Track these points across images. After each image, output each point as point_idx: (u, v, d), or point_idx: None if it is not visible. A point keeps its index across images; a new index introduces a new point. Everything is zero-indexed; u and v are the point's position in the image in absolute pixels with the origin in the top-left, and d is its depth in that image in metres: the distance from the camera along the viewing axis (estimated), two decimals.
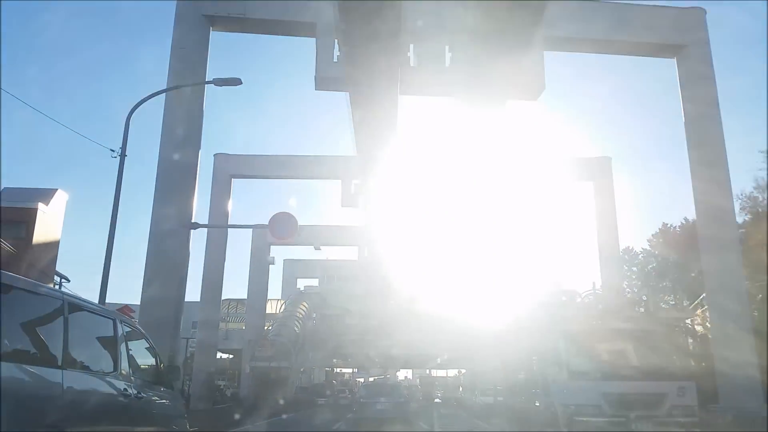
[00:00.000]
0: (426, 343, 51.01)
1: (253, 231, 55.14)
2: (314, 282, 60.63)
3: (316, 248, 55.18)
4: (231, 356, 61.04)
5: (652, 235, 53.35)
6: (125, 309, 53.95)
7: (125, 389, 5.94)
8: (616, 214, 38.27)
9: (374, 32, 15.05)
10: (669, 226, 51.95)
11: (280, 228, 15.04)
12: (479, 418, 25.32)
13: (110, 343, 6.07)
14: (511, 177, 31.11)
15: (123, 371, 6.14)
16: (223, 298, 57.57)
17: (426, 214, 39.69)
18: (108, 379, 5.80)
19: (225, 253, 37.79)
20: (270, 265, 54.62)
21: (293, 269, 70.63)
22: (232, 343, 53.34)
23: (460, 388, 43.56)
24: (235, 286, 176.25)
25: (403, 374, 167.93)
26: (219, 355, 62.03)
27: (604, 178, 38.72)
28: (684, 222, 50.78)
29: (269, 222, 14.80)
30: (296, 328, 42.34)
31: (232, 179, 38.68)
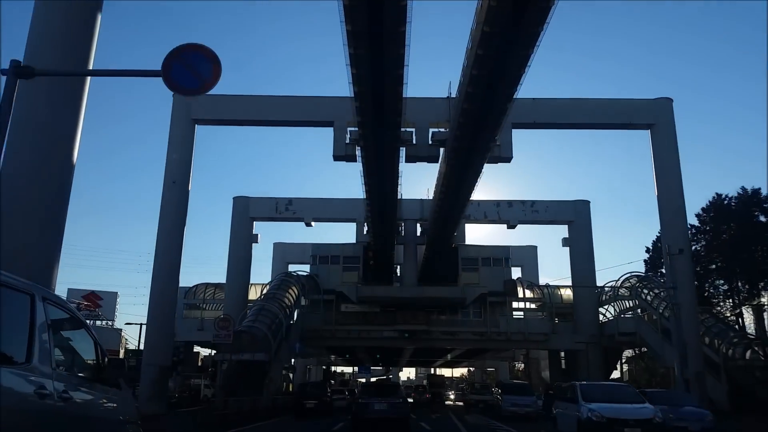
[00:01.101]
0: (438, 335, 43.13)
1: (233, 201, 47.56)
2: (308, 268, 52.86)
3: (306, 224, 47.36)
4: (214, 351, 53.15)
5: (702, 209, 45.27)
6: (92, 296, 45.55)
7: (41, 387, 4.14)
8: (680, 165, 30.35)
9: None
10: (723, 197, 43.95)
11: (185, 76, 6.82)
12: None
13: (20, 326, 4.23)
14: None
15: (40, 364, 4.26)
16: (199, 282, 49.96)
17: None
18: (13, 372, 3.94)
19: (185, 216, 29.95)
20: (254, 244, 46.78)
21: (284, 254, 62.81)
22: (208, 334, 45.29)
23: (495, 389, 35.60)
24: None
25: (405, 375, 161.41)
26: (198, 349, 54.44)
27: (665, 123, 30.84)
28: (741, 192, 42.85)
29: (162, 67, 6.51)
30: (279, 315, 34.51)
31: (196, 125, 30.84)
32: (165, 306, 28.34)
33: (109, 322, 57.06)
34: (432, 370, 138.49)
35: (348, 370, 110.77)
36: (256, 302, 37.86)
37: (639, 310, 42.62)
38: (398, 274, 51.81)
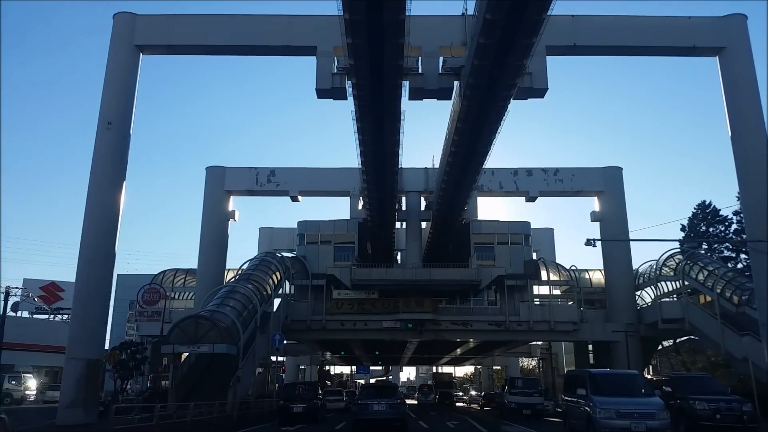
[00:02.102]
0: (448, 326, 36.53)
1: (206, 172, 40.81)
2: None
3: (292, 198, 40.67)
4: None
5: None
6: (51, 287, 38.52)
7: None
8: (761, 100, 23.68)
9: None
10: None
11: None
12: None
13: None
14: None
15: None
16: (168, 267, 43.20)
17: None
18: None
19: (124, 170, 23.19)
20: (231, 222, 40.13)
21: (271, 240, 56.20)
22: None
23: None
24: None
25: (405, 375, 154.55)
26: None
27: (738, 46, 24.21)
28: None
29: None
30: (254, 300, 27.81)
31: (141, 54, 24.04)
32: (95, 283, 21.58)
33: None
34: (434, 368, 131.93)
35: (346, 370, 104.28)
36: (227, 284, 31.15)
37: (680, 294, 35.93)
38: (399, 261, 45.14)
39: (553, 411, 31.72)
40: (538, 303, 37.50)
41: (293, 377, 63.62)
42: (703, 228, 49.16)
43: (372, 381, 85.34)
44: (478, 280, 35.56)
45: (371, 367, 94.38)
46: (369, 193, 35.05)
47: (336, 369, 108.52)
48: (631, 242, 39.46)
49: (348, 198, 40.50)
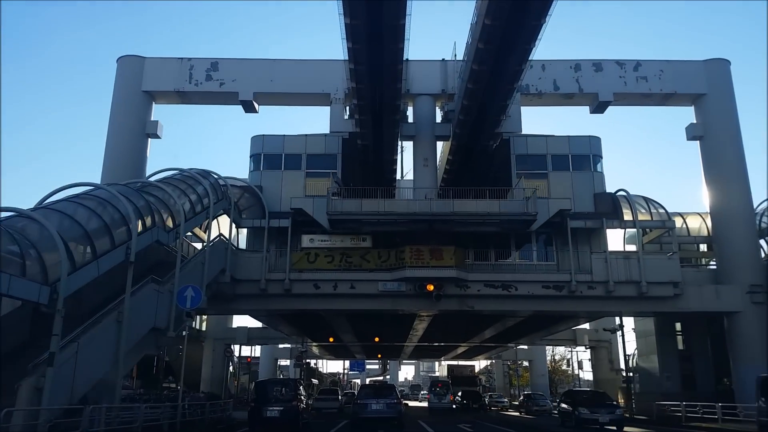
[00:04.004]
0: (480, 289, 23.79)
1: (118, 64, 27.56)
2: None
3: (245, 105, 27.72)
4: None
5: None
6: None
7: None
8: None
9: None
10: None
11: None
12: None
13: None
14: None
15: None
16: None
17: None
18: None
19: None
20: (151, 140, 27.17)
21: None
22: None
23: None
24: None
25: (403, 375, 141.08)
26: None
27: None
28: None
29: None
30: (129, 216, 14.79)
31: None
32: None
33: None
34: (437, 364, 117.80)
35: (337, 366, 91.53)
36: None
37: None
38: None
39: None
40: (619, 256, 24.37)
41: (270, 376, 50.89)
42: None
43: (367, 381, 73.00)
44: (531, 215, 22.39)
45: (366, 363, 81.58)
46: (359, 93, 22.42)
47: (329, 367, 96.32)
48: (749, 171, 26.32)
49: (328, 107, 27.30)
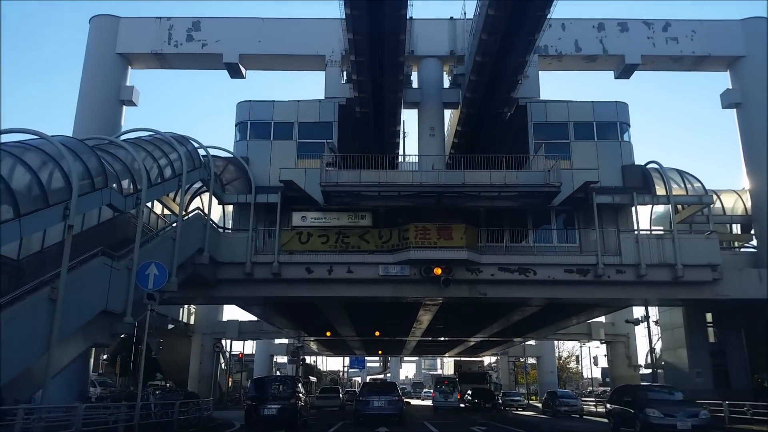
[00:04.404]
0: (494, 273, 21.11)
1: (90, 24, 24.70)
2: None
3: (231, 69, 24.97)
4: None
5: None
6: None
7: None
8: None
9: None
10: None
11: None
12: None
13: None
14: None
15: None
16: None
17: None
18: None
19: None
20: (126, 108, 24.30)
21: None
22: None
23: None
24: None
25: (404, 373, 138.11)
26: None
27: None
28: None
29: None
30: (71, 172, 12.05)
31: None
32: None
33: None
34: (439, 362, 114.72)
35: (337, 365, 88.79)
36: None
37: None
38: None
39: None
40: (651, 235, 21.59)
41: (266, 373, 48.35)
42: None
43: (367, 379, 70.44)
44: (555, 186, 19.61)
45: (367, 360, 78.89)
46: (357, 48, 19.70)
47: (329, 364, 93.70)
48: None
49: (323, 73, 24.49)
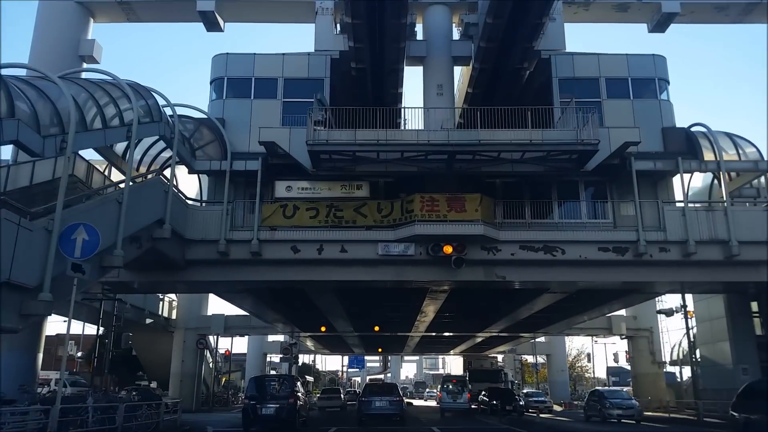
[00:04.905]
0: (515, 252, 17.75)
1: None
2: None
3: (207, 22, 21.59)
4: None
5: None
6: None
7: None
8: None
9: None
10: None
11: None
12: None
13: None
14: None
15: None
16: None
17: None
18: None
19: None
20: (87, 65, 21.06)
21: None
22: None
23: None
24: None
25: (404, 373, 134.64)
26: None
27: None
28: None
29: None
30: None
31: None
32: None
33: None
34: (440, 361, 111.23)
35: (336, 364, 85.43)
36: None
37: None
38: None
39: None
40: (699, 208, 18.32)
41: (259, 373, 45.23)
42: None
43: (367, 379, 67.26)
44: (592, 143, 16.33)
45: (366, 359, 75.55)
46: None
47: (327, 364, 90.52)
48: None
49: (312, 25, 21.18)
